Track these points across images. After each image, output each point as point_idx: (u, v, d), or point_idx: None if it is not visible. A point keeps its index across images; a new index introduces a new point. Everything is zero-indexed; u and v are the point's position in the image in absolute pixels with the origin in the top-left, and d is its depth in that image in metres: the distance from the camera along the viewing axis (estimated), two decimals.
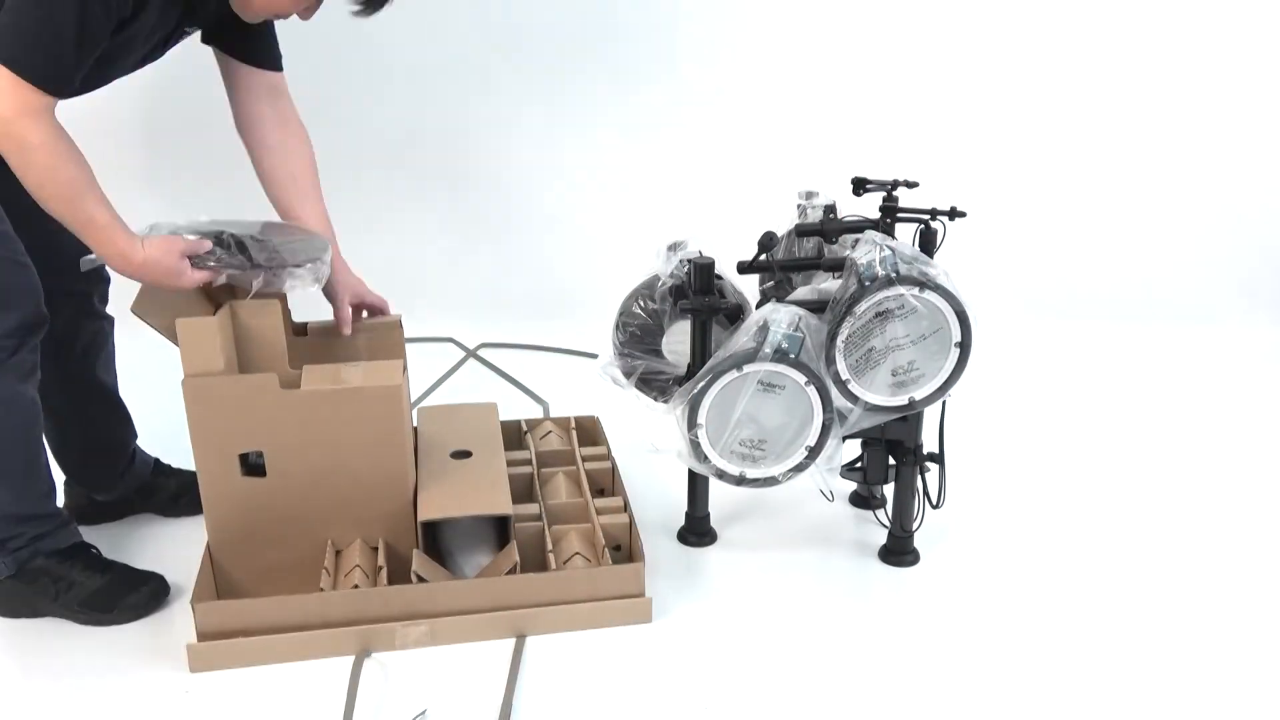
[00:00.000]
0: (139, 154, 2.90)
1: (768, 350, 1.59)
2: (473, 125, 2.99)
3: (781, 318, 1.60)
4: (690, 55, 2.97)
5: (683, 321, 1.76)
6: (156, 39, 1.54)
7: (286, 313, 1.71)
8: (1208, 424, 2.42)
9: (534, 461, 1.95)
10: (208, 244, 1.49)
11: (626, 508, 1.80)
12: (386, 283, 1.89)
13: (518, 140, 3.01)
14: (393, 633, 1.56)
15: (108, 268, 1.50)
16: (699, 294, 1.70)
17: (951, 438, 1.82)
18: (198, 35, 1.66)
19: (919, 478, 1.79)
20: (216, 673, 1.52)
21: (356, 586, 1.58)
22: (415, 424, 1.91)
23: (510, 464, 1.83)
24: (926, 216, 1.71)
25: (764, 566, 1.82)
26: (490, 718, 1.43)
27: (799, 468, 1.69)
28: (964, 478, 2.05)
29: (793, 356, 1.59)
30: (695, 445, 1.66)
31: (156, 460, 1.98)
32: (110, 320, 1.83)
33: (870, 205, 1.77)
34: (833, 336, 1.60)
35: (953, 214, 1.69)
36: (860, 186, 1.78)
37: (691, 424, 1.64)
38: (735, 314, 1.75)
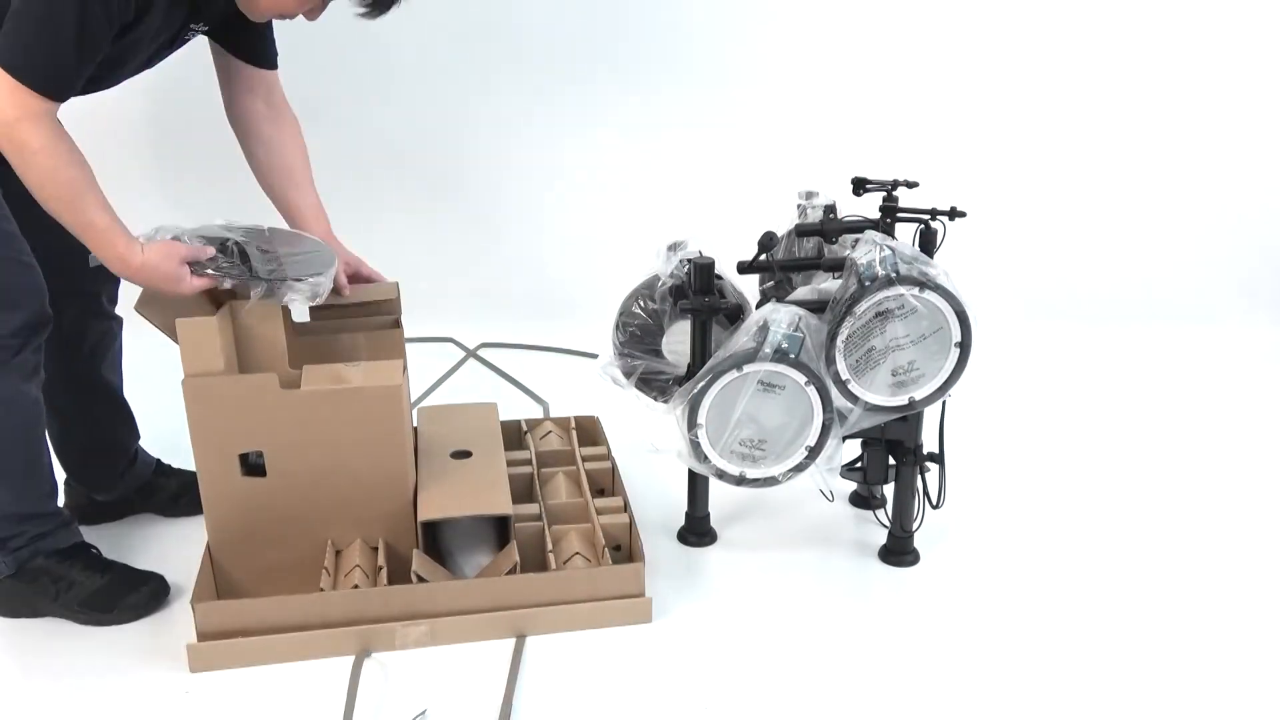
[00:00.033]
0: (144, 153, 2.90)
1: (768, 350, 1.59)
2: (473, 125, 2.99)
3: (781, 318, 1.60)
4: (690, 55, 2.97)
5: (683, 321, 1.76)
6: (162, 40, 1.54)
7: (287, 313, 1.71)
8: (1208, 424, 2.42)
9: (534, 461, 1.95)
10: (210, 251, 1.49)
11: (626, 508, 1.80)
12: None
13: (518, 140, 3.00)
14: (393, 633, 1.56)
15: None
16: (699, 294, 1.70)
17: (951, 438, 1.82)
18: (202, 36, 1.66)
19: (919, 478, 1.79)
20: (216, 673, 1.52)
21: (356, 586, 1.58)
22: (415, 424, 1.91)
23: (510, 464, 1.83)
24: (926, 216, 1.71)
25: (764, 566, 1.82)
26: (490, 718, 1.43)
27: (799, 468, 1.69)
28: (964, 478, 2.05)
29: (793, 356, 1.59)
30: (695, 445, 1.66)
31: (158, 460, 1.98)
32: (118, 321, 1.83)
33: (870, 205, 1.77)
34: (833, 336, 1.60)
35: (953, 214, 1.69)
36: (860, 186, 1.78)
37: (691, 424, 1.64)
38: (735, 314, 1.75)
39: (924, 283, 1.56)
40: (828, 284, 1.76)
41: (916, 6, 2.94)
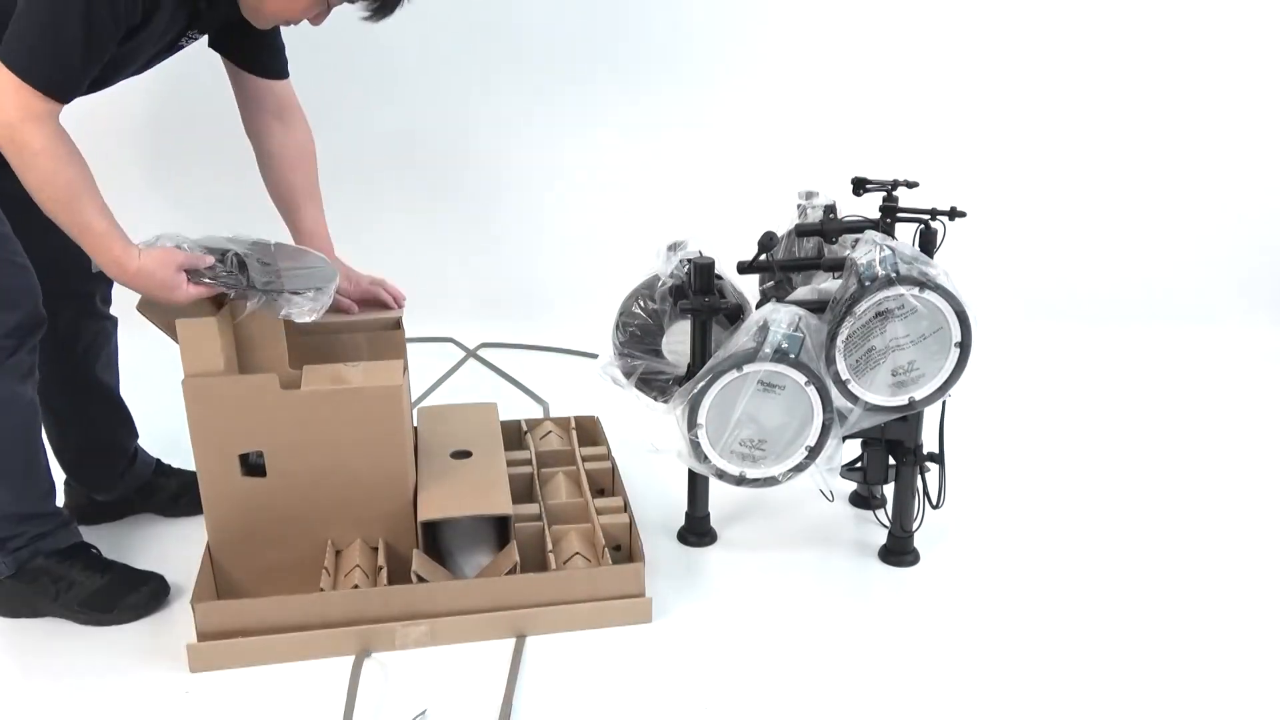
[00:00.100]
0: (145, 155, 2.90)
1: (768, 350, 1.59)
2: (473, 125, 2.99)
3: (781, 318, 1.60)
4: (690, 56, 2.97)
5: (683, 321, 1.76)
6: (164, 43, 1.55)
7: None
8: (1208, 424, 2.42)
9: (534, 461, 1.95)
10: (208, 259, 1.48)
11: (626, 508, 1.80)
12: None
13: (518, 140, 3.00)
14: (393, 633, 1.56)
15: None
16: (699, 294, 1.70)
17: (951, 438, 1.82)
18: (204, 40, 1.66)
19: (919, 478, 1.79)
20: (216, 673, 1.52)
21: (356, 586, 1.58)
22: (415, 424, 1.91)
23: (510, 464, 1.83)
24: (926, 216, 1.71)
25: (764, 566, 1.82)
26: (490, 718, 1.43)
27: (799, 468, 1.69)
28: (964, 478, 2.05)
29: (793, 356, 1.59)
30: (695, 445, 1.66)
31: (158, 460, 1.98)
32: (113, 321, 1.83)
33: (870, 205, 1.77)
34: (833, 336, 1.60)
35: (953, 214, 1.69)
36: (860, 186, 1.77)
37: (691, 424, 1.64)
38: (735, 314, 1.75)
39: (924, 283, 1.56)
40: (828, 284, 1.76)
41: (916, 6, 2.94)
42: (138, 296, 1.55)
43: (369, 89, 2.92)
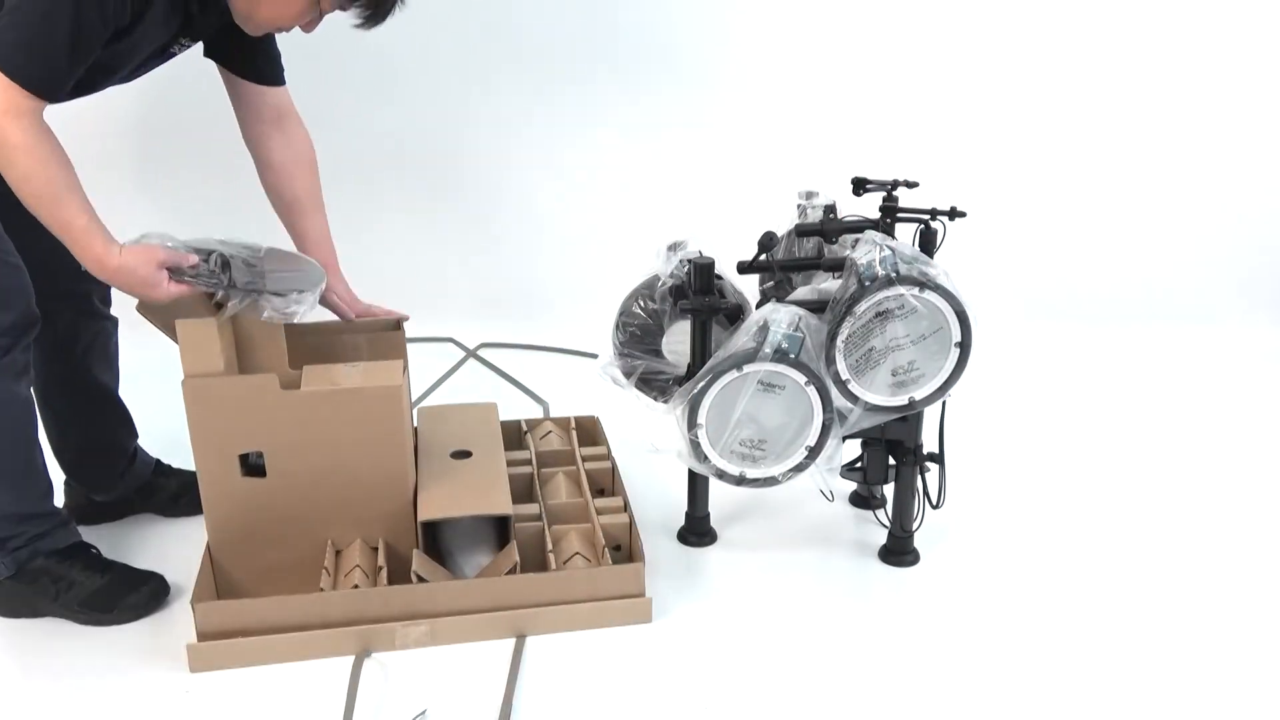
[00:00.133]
0: (137, 160, 2.90)
1: (768, 350, 1.59)
2: (473, 125, 2.99)
3: (781, 318, 1.60)
4: (690, 56, 2.97)
5: (683, 321, 1.76)
6: (154, 49, 1.55)
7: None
8: (1208, 424, 2.42)
9: (534, 461, 1.95)
10: (191, 258, 1.47)
11: (626, 508, 1.80)
12: (388, 282, 1.90)
13: (518, 140, 3.00)
14: (393, 633, 1.56)
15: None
16: (699, 294, 1.70)
17: (951, 438, 1.82)
18: (198, 48, 1.66)
19: (919, 478, 1.79)
20: (216, 673, 1.52)
21: (356, 586, 1.58)
22: (415, 424, 1.91)
23: (510, 464, 1.83)
24: (926, 216, 1.71)
25: (764, 566, 1.82)
26: (490, 718, 1.43)
27: (799, 468, 1.69)
28: (964, 478, 2.05)
29: (793, 356, 1.59)
30: (695, 445, 1.66)
31: (157, 461, 1.98)
32: (113, 321, 1.83)
33: (870, 205, 1.77)
34: (833, 336, 1.60)
35: (953, 214, 1.69)
36: (860, 186, 1.78)
37: (691, 424, 1.64)
38: (735, 314, 1.75)
39: (924, 283, 1.56)
40: (828, 284, 1.76)
41: (916, 6, 2.94)
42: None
43: (369, 90, 2.92)
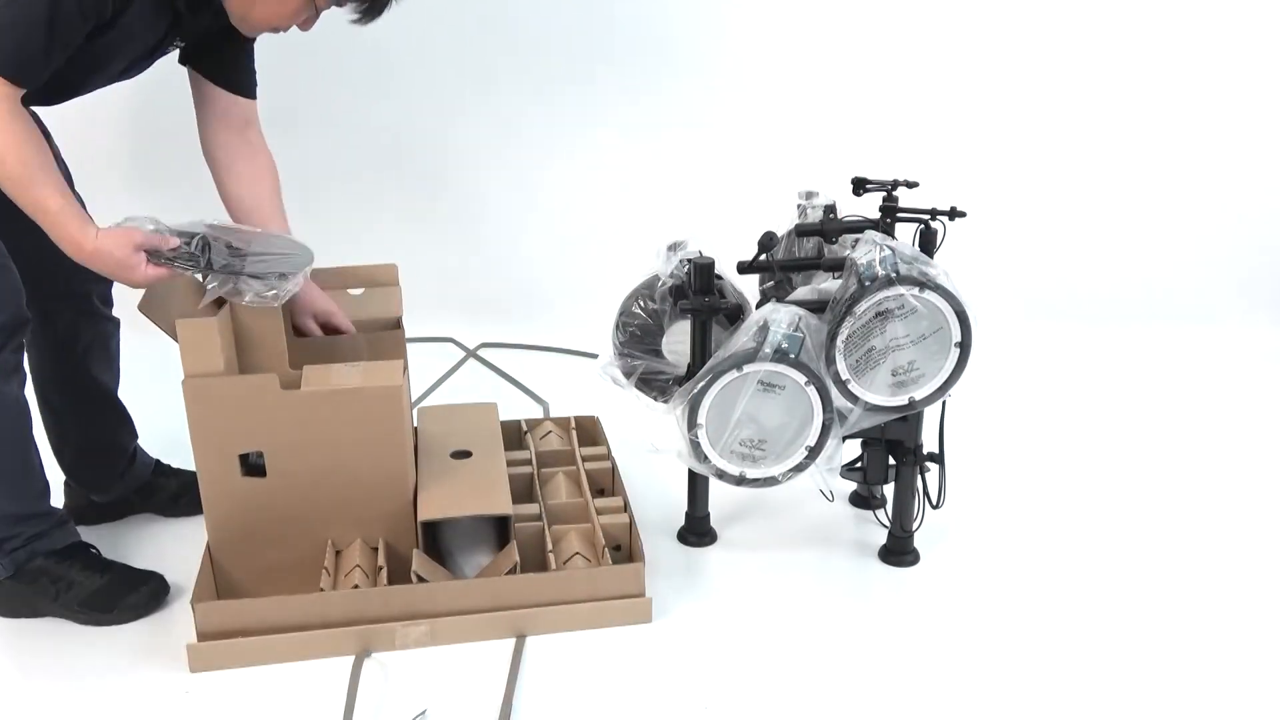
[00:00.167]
0: (136, 152, 2.90)
1: (768, 350, 1.59)
2: (473, 124, 2.99)
3: (781, 318, 1.60)
4: (690, 55, 2.97)
5: (683, 321, 1.76)
6: (142, 49, 1.55)
7: (288, 313, 1.71)
8: (1208, 424, 2.42)
9: (534, 461, 1.95)
10: (172, 240, 1.46)
11: (626, 508, 1.80)
12: None
13: (518, 140, 3.00)
14: (393, 633, 1.56)
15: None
16: (699, 294, 1.70)
17: (951, 438, 1.82)
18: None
19: (919, 478, 1.79)
20: (216, 673, 1.52)
21: (356, 586, 1.58)
22: (415, 424, 1.91)
23: (510, 464, 1.83)
24: (926, 216, 1.71)
25: (764, 566, 1.82)
26: (490, 718, 1.43)
27: (799, 468, 1.69)
28: (964, 478, 2.05)
29: (793, 356, 1.59)
30: (695, 445, 1.66)
31: (157, 461, 1.98)
32: (114, 322, 1.83)
33: (870, 205, 1.77)
34: (833, 336, 1.60)
35: (953, 214, 1.69)
36: (860, 186, 1.78)
37: (691, 424, 1.64)
38: (735, 314, 1.75)
39: (924, 283, 1.56)
40: (828, 284, 1.76)
41: (916, 6, 2.94)
42: (139, 296, 1.55)
43: (367, 88, 2.92)
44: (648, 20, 2.93)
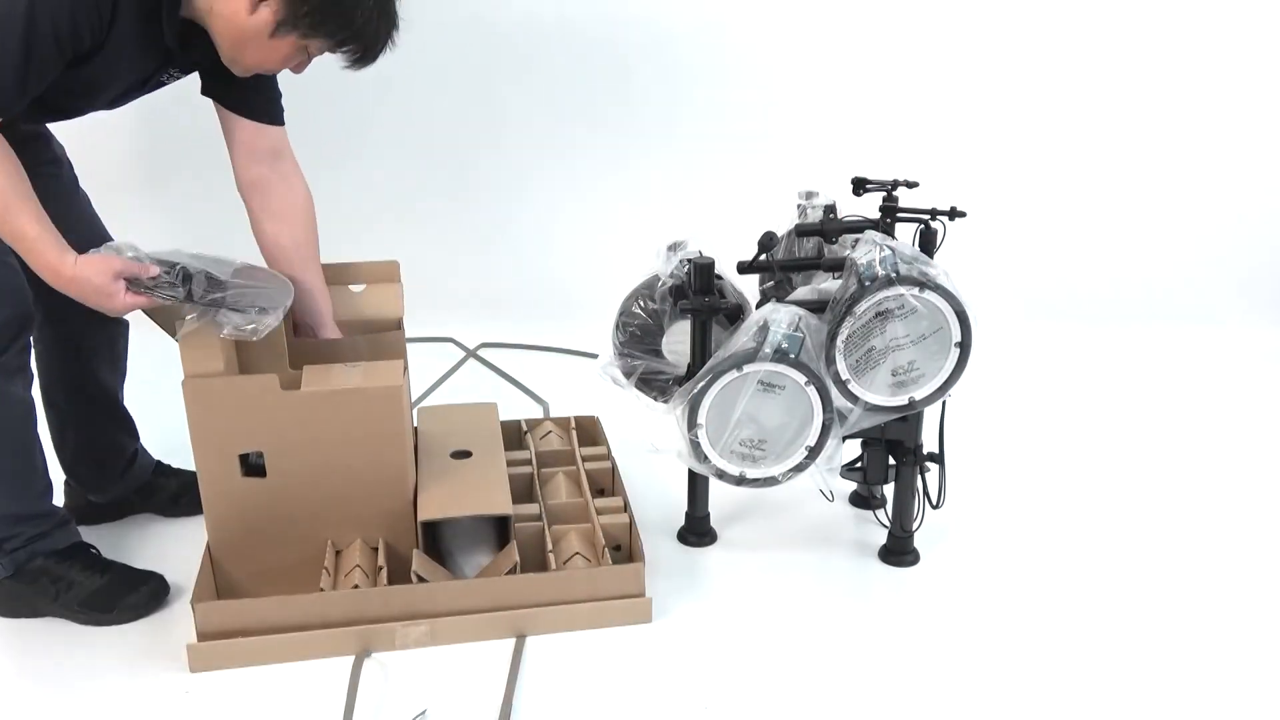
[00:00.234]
0: (146, 171, 2.90)
1: (768, 350, 1.59)
2: (473, 125, 2.99)
3: (781, 318, 1.60)
4: (690, 55, 2.97)
5: (683, 321, 1.76)
6: (132, 80, 1.54)
7: (288, 313, 1.70)
8: (1208, 424, 2.42)
9: (534, 461, 1.95)
10: (152, 269, 1.44)
11: (626, 508, 1.80)
12: None
13: (519, 140, 3.01)
14: (393, 633, 1.56)
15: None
16: (699, 294, 1.70)
17: (951, 438, 1.82)
18: (195, 79, 1.64)
19: (919, 478, 1.79)
20: (216, 673, 1.52)
21: (356, 586, 1.58)
22: (415, 424, 1.91)
23: (510, 464, 1.83)
24: (926, 216, 1.71)
25: (764, 566, 1.82)
26: (490, 718, 1.43)
27: (799, 468, 1.69)
28: (964, 478, 2.05)
29: (793, 356, 1.59)
30: (695, 445, 1.66)
31: (158, 461, 1.98)
32: (123, 325, 1.82)
33: (870, 205, 1.77)
34: (833, 336, 1.60)
35: (953, 214, 1.69)
36: (860, 186, 1.78)
37: (691, 424, 1.64)
38: (735, 314, 1.75)
39: (924, 283, 1.56)
40: (828, 284, 1.76)
41: (916, 6, 2.94)
42: None
43: (370, 89, 2.92)
44: (648, 21, 2.93)
